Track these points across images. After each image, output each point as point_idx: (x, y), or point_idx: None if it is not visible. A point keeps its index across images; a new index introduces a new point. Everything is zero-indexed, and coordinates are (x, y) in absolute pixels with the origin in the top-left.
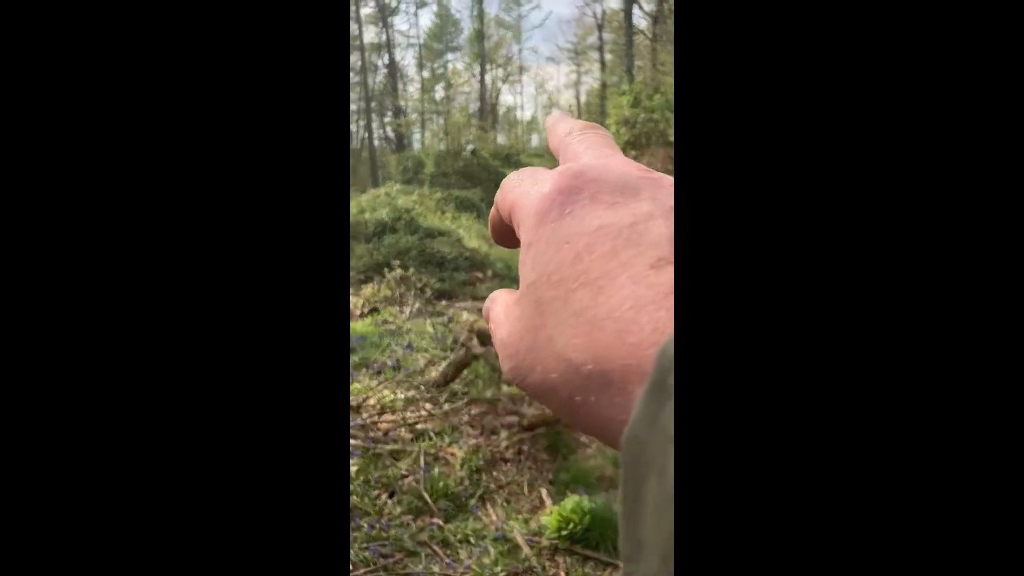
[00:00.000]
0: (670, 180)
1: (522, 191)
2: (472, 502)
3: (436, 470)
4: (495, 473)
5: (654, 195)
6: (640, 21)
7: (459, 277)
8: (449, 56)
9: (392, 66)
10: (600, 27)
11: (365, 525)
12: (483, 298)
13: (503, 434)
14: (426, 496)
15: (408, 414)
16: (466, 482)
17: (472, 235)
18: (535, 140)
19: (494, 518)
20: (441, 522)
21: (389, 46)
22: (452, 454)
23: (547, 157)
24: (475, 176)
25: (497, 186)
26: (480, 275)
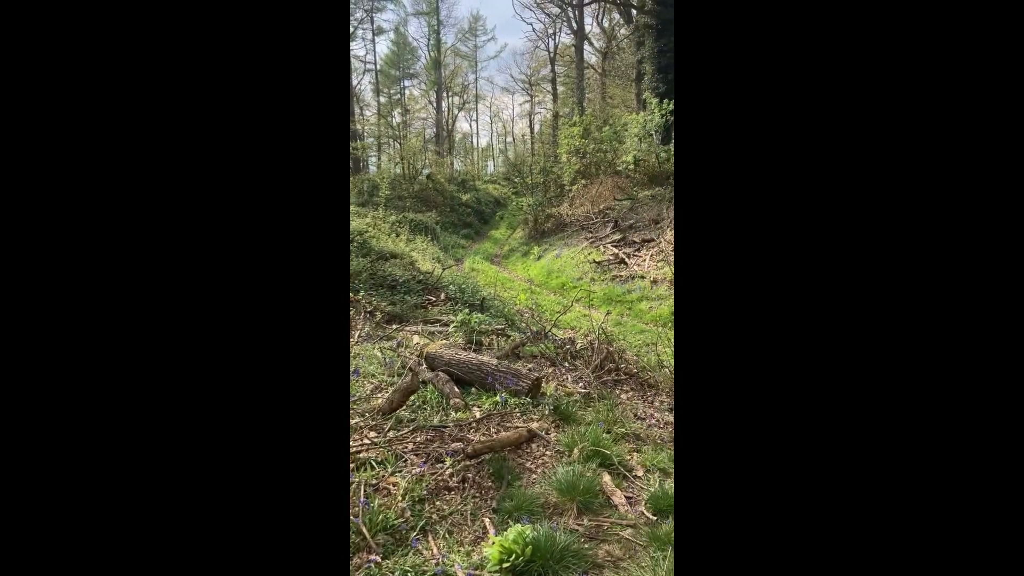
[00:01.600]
0: None
1: None
2: (413, 534)
3: (376, 502)
4: (438, 503)
5: None
6: (590, 57)
7: (411, 300)
8: (406, 83)
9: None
10: (553, 60)
11: None
12: (435, 321)
13: (448, 462)
14: (364, 531)
15: (351, 443)
16: (407, 513)
17: (426, 258)
18: (491, 166)
19: (435, 551)
20: (379, 559)
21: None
22: (394, 484)
23: (500, 183)
24: (430, 199)
25: (452, 209)
26: (432, 298)
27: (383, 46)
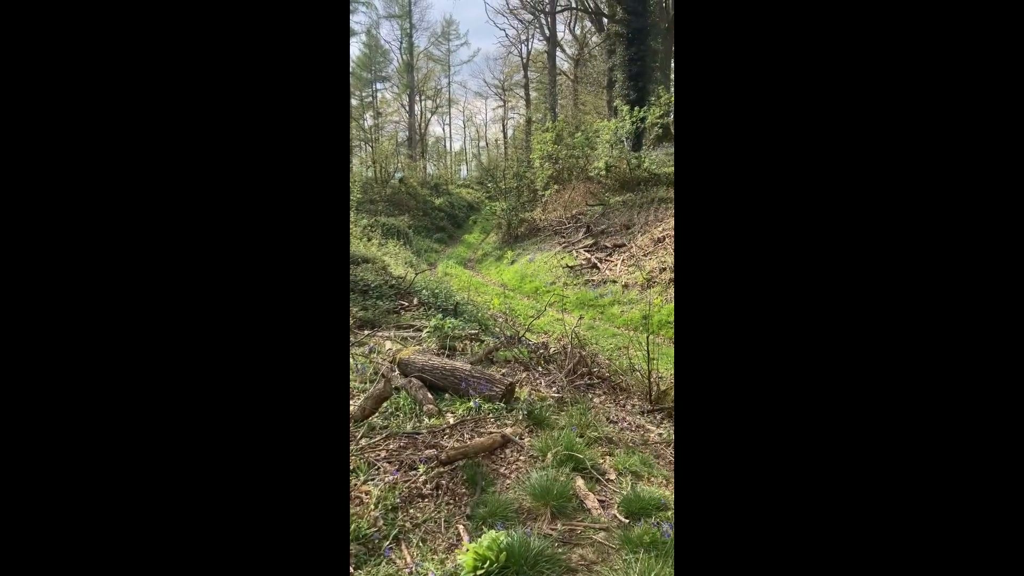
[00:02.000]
0: None
1: None
2: (386, 543)
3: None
4: (411, 511)
5: None
6: (563, 63)
7: (383, 305)
8: (378, 86)
9: None
10: (526, 66)
11: None
12: (408, 327)
13: (421, 469)
14: None
15: None
16: (380, 522)
17: (399, 262)
18: (464, 171)
19: (408, 560)
20: (351, 569)
21: None
22: (367, 492)
23: (474, 188)
24: (403, 203)
25: (425, 214)
26: (405, 303)
27: (355, 48)
